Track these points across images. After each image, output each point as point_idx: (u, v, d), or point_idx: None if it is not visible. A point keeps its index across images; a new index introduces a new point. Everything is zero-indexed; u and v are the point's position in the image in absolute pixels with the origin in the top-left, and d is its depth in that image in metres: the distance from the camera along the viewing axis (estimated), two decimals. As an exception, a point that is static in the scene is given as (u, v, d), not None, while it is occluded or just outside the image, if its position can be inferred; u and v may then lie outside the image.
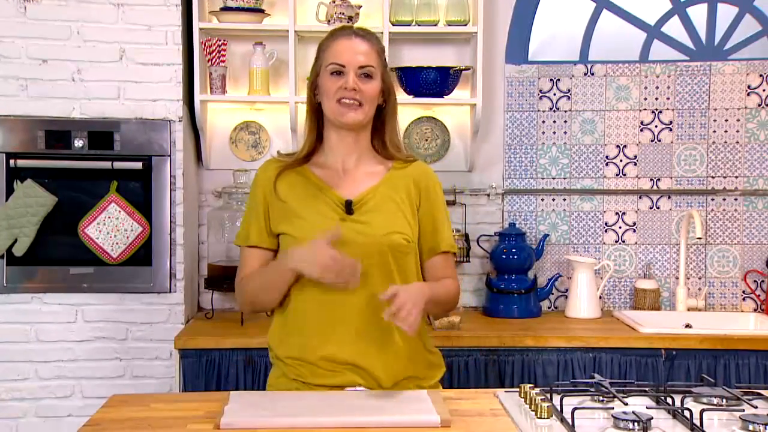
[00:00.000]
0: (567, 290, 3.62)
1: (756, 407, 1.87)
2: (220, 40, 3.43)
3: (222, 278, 3.36)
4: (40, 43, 3.23)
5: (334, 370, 2.13)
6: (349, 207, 2.18)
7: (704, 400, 1.96)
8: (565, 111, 3.69)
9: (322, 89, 2.21)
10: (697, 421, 1.77)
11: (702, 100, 3.67)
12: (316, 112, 2.26)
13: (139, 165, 3.29)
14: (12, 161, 3.23)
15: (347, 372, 2.13)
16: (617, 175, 3.69)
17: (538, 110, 3.69)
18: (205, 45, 3.41)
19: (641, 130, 3.69)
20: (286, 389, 2.18)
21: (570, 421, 1.77)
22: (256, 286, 2.21)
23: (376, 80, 2.20)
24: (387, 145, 2.27)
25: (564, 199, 3.70)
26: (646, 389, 2.04)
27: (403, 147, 2.33)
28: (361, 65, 2.17)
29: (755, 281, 3.69)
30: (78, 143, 3.25)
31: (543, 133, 3.69)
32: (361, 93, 2.17)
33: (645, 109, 3.69)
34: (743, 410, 1.87)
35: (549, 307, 3.70)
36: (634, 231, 3.70)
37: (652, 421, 1.75)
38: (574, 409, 1.79)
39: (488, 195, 3.68)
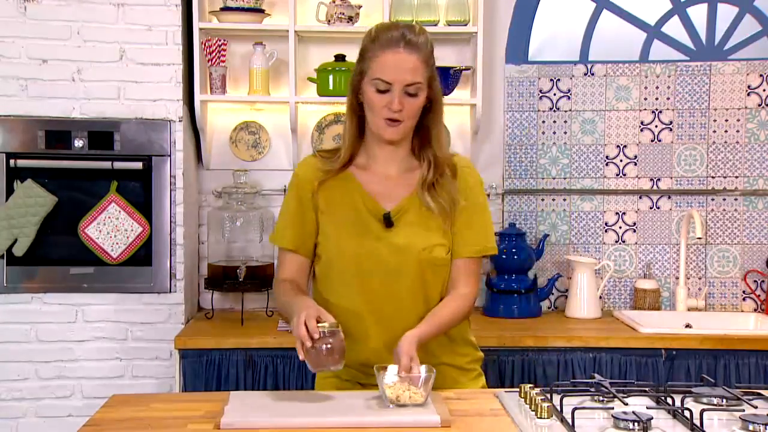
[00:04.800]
0: (567, 290, 3.62)
1: (756, 407, 1.87)
2: (220, 40, 3.43)
3: (222, 278, 3.37)
4: (40, 43, 3.23)
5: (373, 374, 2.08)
6: (388, 221, 2.16)
7: (704, 400, 1.96)
8: (566, 111, 3.69)
9: (366, 100, 2.15)
10: (697, 421, 1.77)
11: (702, 100, 3.67)
12: (357, 113, 2.21)
13: (139, 165, 3.29)
14: (12, 161, 3.24)
15: None
16: (617, 175, 3.70)
17: (538, 110, 3.69)
18: (205, 45, 3.41)
19: (641, 130, 3.69)
20: (336, 389, 2.19)
21: (570, 421, 1.77)
22: (282, 303, 2.23)
23: (421, 94, 2.14)
24: (432, 153, 2.20)
25: (564, 199, 3.70)
26: (646, 389, 2.04)
27: (447, 153, 2.25)
28: (408, 83, 2.10)
29: (755, 281, 3.68)
30: (78, 143, 3.25)
31: (543, 133, 3.69)
32: (404, 111, 2.12)
33: (645, 109, 3.69)
34: (743, 410, 1.87)
35: (549, 307, 3.70)
36: (634, 231, 3.70)
37: (652, 421, 1.75)
38: (574, 409, 1.79)
39: (488, 195, 3.67)
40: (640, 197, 3.70)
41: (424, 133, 2.22)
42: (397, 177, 2.23)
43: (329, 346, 1.94)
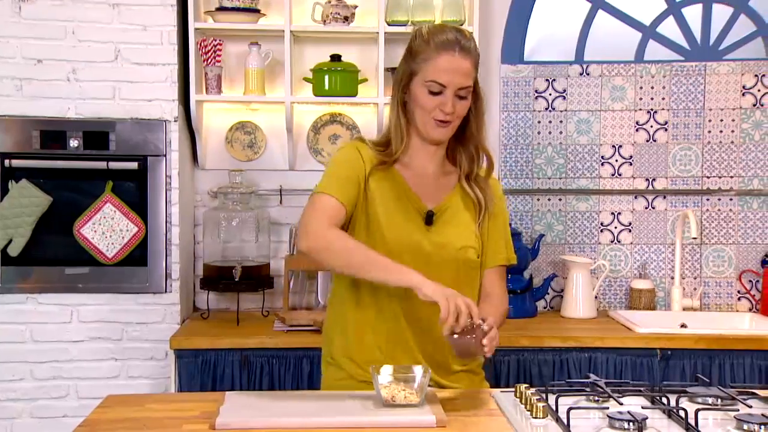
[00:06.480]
0: (562, 290, 3.62)
1: (751, 407, 1.88)
2: (215, 40, 3.42)
3: (217, 278, 3.36)
4: (36, 43, 3.22)
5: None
6: (429, 218, 2.19)
7: (699, 399, 1.96)
8: (561, 111, 3.69)
9: (417, 100, 2.16)
10: (692, 421, 1.77)
11: (697, 100, 3.68)
12: (405, 112, 2.21)
13: (134, 165, 3.28)
14: (7, 161, 3.23)
15: None
16: (613, 175, 3.70)
17: (534, 110, 3.69)
18: (200, 45, 3.41)
19: (636, 130, 3.70)
20: (347, 389, 2.18)
21: (565, 421, 1.77)
22: (359, 258, 2.05)
23: (470, 97, 2.18)
24: (474, 146, 2.22)
25: (560, 199, 3.70)
26: (642, 389, 2.04)
27: (491, 156, 2.27)
28: (461, 87, 2.13)
29: (750, 281, 3.69)
30: (73, 143, 3.25)
31: (539, 133, 3.69)
32: (455, 113, 2.15)
33: (640, 109, 3.69)
34: (738, 410, 1.88)
35: (545, 307, 3.70)
36: (630, 231, 3.71)
37: (647, 420, 1.75)
38: (570, 409, 1.79)
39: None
40: (636, 197, 3.70)
41: (464, 129, 2.22)
42: (434, 177, 2.25)
43: (475, 336, 1.95)
